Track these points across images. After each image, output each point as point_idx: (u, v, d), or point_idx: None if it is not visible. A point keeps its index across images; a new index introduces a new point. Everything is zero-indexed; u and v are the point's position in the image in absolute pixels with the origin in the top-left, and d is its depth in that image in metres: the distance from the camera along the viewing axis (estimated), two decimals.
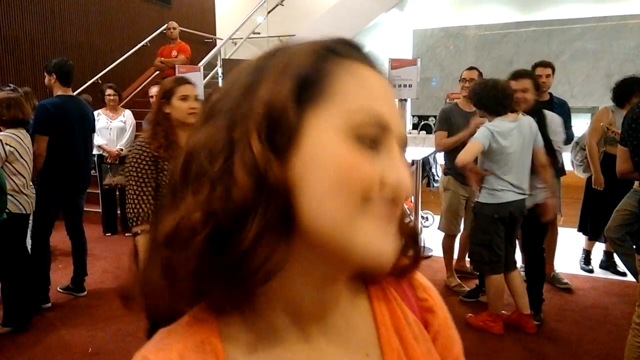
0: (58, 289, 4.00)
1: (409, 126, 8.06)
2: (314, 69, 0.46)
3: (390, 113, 0.47)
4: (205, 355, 0.48)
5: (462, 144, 3.27)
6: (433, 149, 4.71)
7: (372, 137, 0.45)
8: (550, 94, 3.97)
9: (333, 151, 0.44)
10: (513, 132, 3.04)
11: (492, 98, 3.03)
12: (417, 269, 0.59)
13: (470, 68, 4.20)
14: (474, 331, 3.29)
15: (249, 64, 0.49)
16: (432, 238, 4.86)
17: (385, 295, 0.58)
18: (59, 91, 3.82)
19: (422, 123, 7.99)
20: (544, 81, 3.90)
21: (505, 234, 3.18)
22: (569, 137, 3.83)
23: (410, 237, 0.56)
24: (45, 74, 3.86)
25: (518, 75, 3.31)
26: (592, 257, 4.49)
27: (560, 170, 3.81)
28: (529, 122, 3.13)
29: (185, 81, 2.42)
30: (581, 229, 4.43)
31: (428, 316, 0.60)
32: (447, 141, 3.90)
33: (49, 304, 3.78)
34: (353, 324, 0.54)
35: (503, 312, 3.34)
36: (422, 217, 5.51)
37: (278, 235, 0.44)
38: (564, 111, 3.84)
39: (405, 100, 4.78)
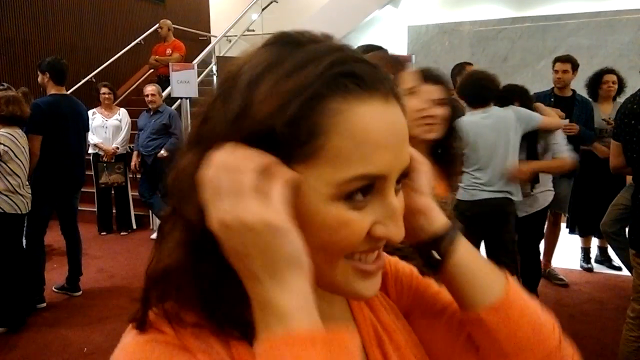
0: (53, 288, 3.99)
1: None
2: (304, 129, 0.42)
3: (390, 159, 0.44)
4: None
5: None
6: None
7: (364, 189, 0.44)
8: (573, 90, 3.97)
9: (318, 212, 0.43)
10: (481, 127, 2.91)
11: (471, 88, 2.98)
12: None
13: (461, 64, 4.20)
14: None
15: (235, 77, 0.45)
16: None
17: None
18: (52, 90, 3.80)
19: None
20: (560, 77, 3.88)
21: (488, 235, 3.04)
22: (588, 137, 3.82)
23: None
24: (38, 72, 3.84)
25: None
26: (591, 255, 4.46)
27: (572, 172, 3.75)
28: (504, 114, 2.96)
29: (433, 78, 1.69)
30: (571, 230, 4.45)
31: (387, 285, 0.65)
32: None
33: (44, 304, 3.76)
34: (328, 300, 0.55)
35: None
36: None
37: None
38: (586, 110, 3.85)
39: None
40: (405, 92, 1.47)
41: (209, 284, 0.45)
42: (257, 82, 0.43)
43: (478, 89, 2.95)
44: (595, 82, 4.11)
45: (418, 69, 1.63)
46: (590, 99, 4.09)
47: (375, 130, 0.43)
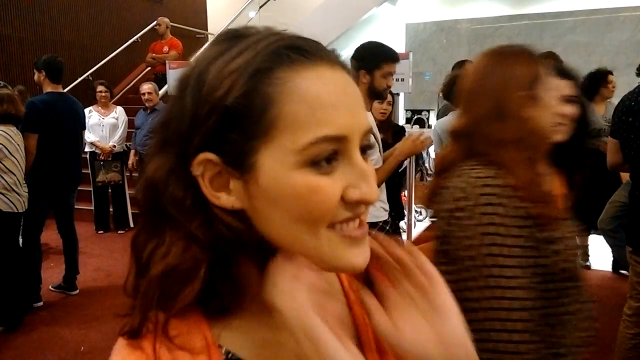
0: (50, 287, 3.98)
1: (402, 121, 8.05)
2: (256, 102, 0.44)
3: (347, 119, 0.45)
4: (190, 328, 0.49)
5: None
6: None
7: (328, 155, 0.44)
8: None
9: (287, 182, 0.44)
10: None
11: (452, 89, 3.00)
12: None
13: (462, 62, 4.19)
14: None
15: (187, 76, 0.48)
16: None
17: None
18: (48, 88, 3.78)
19: (415, 117, 7.99)
20: None
21: None
22: None
23: None
24: (34, 70, 3.82)
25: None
26: (589, 252, 4.45)
27: None
28: None
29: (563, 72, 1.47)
30: None
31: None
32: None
33: (41, 303, 3.75)
34: (327, 298, 0.56)
35: None
36: (416, 211, 5.51)
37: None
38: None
39: (398, 94, 4.78)
40: (562, 99, 1.32)
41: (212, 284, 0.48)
42: (207, 72, 0.45)
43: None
44: (597, 82, 4.07)
45: (550, 62, 1.41)
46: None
47: (326, 92, 0.44)
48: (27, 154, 3.49)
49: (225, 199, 0.47)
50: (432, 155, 4.06)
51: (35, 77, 3.82)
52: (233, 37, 0.48)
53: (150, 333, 0.48)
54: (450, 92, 3.01)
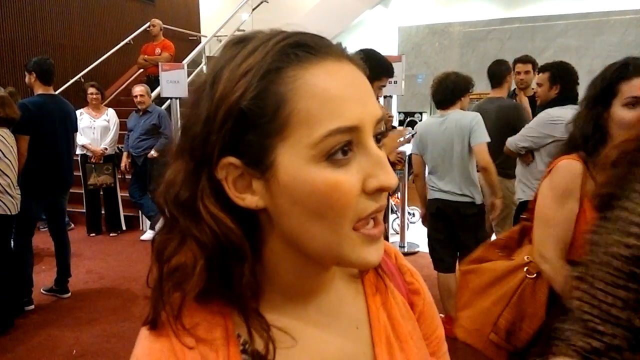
0: (42, 290, 3.95)
1: (395, 123, 8.07)
2: (269, 101, 0.45)
3: (358, 109, 0.46)
4: (213, 317, 0.52)
5: None
6: None
7: (343, 146, 0.45)
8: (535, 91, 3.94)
9: (306, 179, 0.45)
10: (434, 130, 3.00)
11: (438, 91, 3.02)
12: None
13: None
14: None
15: (202, 83, 0.50)
16: (418, 234, 4.87)
17: (376, 277, 0.62)
18: (39, 90, 3.76)
19: (408, 119, 8.02)
20: (522, 78, 3.87)
21: (451, 235, 3.13)
22: None
23: None
24: (25, 72, 3.79)
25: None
26: None
27: None
28: (455, 118, 3.00)
29: None
30: None
31: (414, 298, 0.65)
32: None
33: (32, 306, 3.72)
34: (346, 301, 0.59)
35: None
36: (409, 213, 5.52)
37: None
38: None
39: (391, 96, 4.79)
40: None
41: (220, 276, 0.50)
42: (219, 78, 0.47)
43: (441, 92, 3.01)
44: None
45: None
46: None
47: (334, 86, 0.46)
48: (19, 156, 3.46)
49: (250, 199, 0.48)
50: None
51: (26, 79, 3.79)
52: (240, 41, 0.50)
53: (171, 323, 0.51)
54: (438, 94, 3.03)
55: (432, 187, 3.10)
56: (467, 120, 2.96)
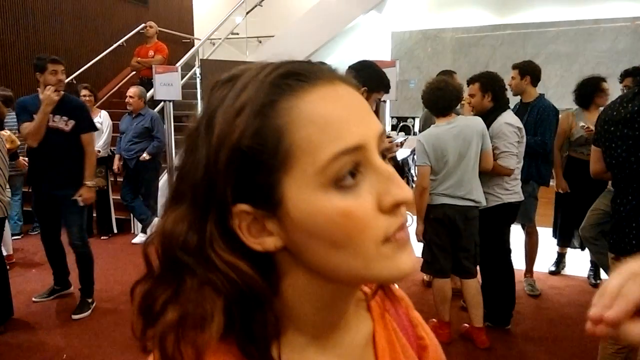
0: (33, 299, 3.90)
1: (388, 128, 8.11)
2: (269, 137, 0.44)
3: (358, 128, 0.45)
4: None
5: None
6: (411, 150, 4.74)
7: (351, 169, 0.44)
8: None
9: (317, 209, 0.44)
10: (448, 137, 2.99)
11: (434, 99, 3.02)
12: None
13: (445, 72, 4.22)
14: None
15: (196, 127, 0.48)
16: (412, 238, 4.88)
17: (385, 325, 0.61)
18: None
19: (401, 124, 8.06)
20: (509, 83, 3.88)
21: (451, 240, 3.13)
22: (540, 143, 3.68)
23: None
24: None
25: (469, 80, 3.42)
26: (565, 260, 4.50)
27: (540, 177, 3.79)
28: (465, 122, 3.03)
29: None
30: (554, 234, 4.48)
31: (423, 354, 0.64)
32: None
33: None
34: (356, 343, 0.57)
35: (466, 324, 3.30)
36: None
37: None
38: (542, 119, 3.71)
39: (384, 101, 4.80)
40: None
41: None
42: (214, 119, 0.46)
43: (439, 99, 3.01)
44: (591, 90, 3.96)
45: None
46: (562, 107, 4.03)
47: (331, 109, 0.45)
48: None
49: (268, 242, 0.46)
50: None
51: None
52: (229, 80, 0.48)
53: None
54: (429, 100, 3.05)
55: (443, 193, 3.06)
56: (479, 124, 3.04)
